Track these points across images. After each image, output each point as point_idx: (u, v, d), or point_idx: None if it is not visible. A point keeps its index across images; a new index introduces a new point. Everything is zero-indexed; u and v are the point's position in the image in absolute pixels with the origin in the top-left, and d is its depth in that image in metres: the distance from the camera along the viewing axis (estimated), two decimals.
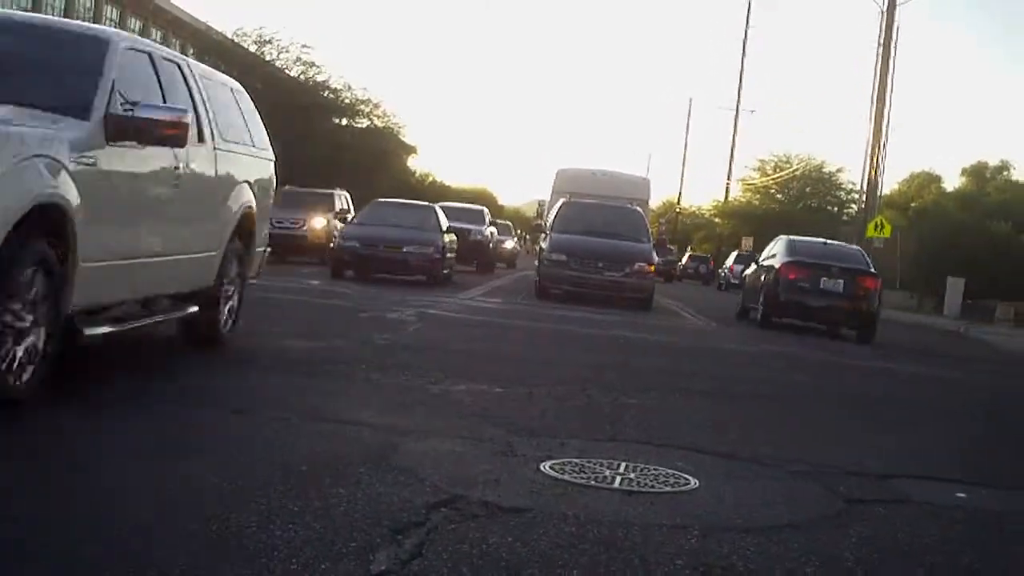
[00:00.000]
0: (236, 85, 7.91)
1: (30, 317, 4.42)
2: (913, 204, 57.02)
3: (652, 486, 4.44)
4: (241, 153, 7.17)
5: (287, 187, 26.73)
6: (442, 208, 23.21)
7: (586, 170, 28.14)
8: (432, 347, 9.06)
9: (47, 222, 4.42)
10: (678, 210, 74.26)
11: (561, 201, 21.64)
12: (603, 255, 18.53)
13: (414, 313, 12.52)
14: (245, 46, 34.81)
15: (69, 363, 5.14)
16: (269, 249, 8.40)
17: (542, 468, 4.56)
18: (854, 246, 22.06)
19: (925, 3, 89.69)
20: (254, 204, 7.13)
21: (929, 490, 4.99)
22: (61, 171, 4.48)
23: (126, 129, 5.13)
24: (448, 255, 20.24)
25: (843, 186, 59.00)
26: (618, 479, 4.50)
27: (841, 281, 16.41)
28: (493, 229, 29.12)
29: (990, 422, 8.55)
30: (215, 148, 6.55)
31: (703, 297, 31.69)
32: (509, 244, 34.74)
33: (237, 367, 6.71)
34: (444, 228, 20.47)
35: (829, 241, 20.21)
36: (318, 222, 24.49)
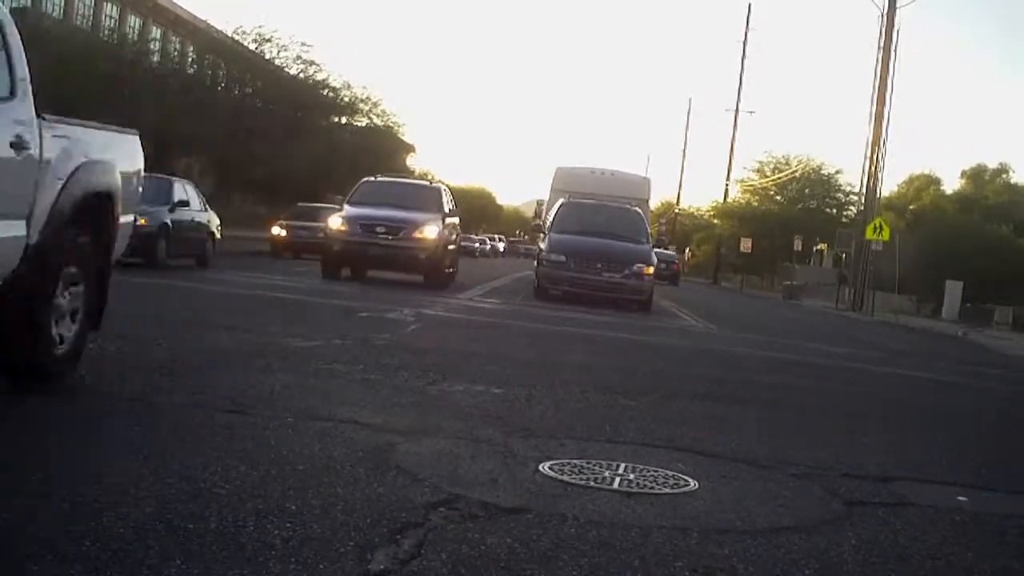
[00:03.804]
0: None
1: None
2: (912, 207, 57.08)
3: (651, 487, 4.43)
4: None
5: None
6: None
7: (585, 168, 28.09)
8: (430, 347, 9.04)
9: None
10: (677, 211, 74.25)
11: (560, 201, 21.61)
12: (602, 256, 18.51)
13: (412, 313, 12.50)
14: (245, 44, 34.78)
15: None
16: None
17: (541, 469, 4.54)
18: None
19: (925, 5, 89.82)
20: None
21: (930, 493, 4.98)
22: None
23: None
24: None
25: (842, 188, 59.04)
26: (617, 480, 4.48)
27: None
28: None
29: (991, 425, 8.53)
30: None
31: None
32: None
33: (233, 366, 6.69)
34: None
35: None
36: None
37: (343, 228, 17.67)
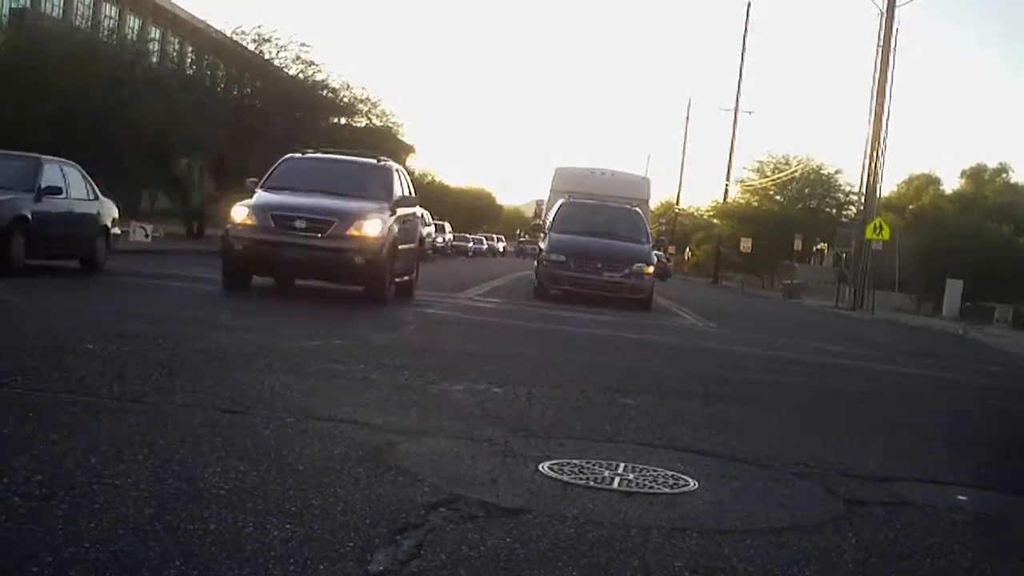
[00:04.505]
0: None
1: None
2: (912, 206, 57.07)
3: (651, 487, 4.42)
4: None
5: None
6: None
7: (585, 169, 28.07)
8: (430, 347, 9.04)
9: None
10: (677, 211, 74.28)
11: (560, 201, 21.64)
12: (602, 256, 18.54)
13: (412, 313, 12.50)
14: (244, 44, 34.77)
15: None
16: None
17: (541, 469, 4.54)
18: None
19: (925, 5, 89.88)
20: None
21: (929, 492, 4.97)
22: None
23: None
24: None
25: (842, 188, 59.04)
26: (617, 480, 4.48)
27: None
28: None
29: (992, 425, 8.53)
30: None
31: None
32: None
33: (233, 365, 6.68)
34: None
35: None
36: None
37: (249, 221, 12.71)
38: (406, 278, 14.68)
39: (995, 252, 35.35)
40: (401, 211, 14.02)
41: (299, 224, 12.49)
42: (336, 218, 12.64)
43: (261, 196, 13.30)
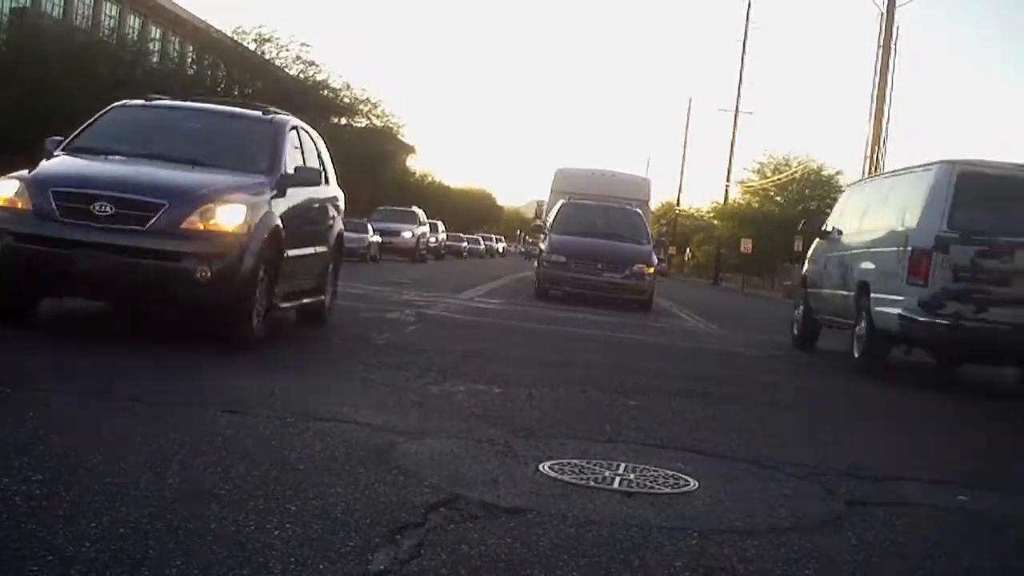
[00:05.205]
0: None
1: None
2: None
3: (651, 487, 4.42)
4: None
5: None
6: None
7: (586, 170, 28.04)
8: (431, 347, 9.04)
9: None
10: (677, 212, 74.28)
11: (561, 202, 21.64)
12: (603, 256, 18.56)
13: (413, 313, 12.51)
14: (245, 44, 34.81)
15: None
16: None
17: (541, 468, 4.54)
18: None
19: (926, 5, 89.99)
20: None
21: (930, 493, 4.97)
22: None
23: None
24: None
25: (843, 189, 58.94)
26: (617, 480, 4.48)
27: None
28: None
29: (992, 425, 8.53)
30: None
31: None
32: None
33: (233, 365, 6.68)
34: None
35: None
36: None
37: (19, 204, 7.24)
38: (307, 300, 9.12)
39: None
40: (297, 194, 8.56)
41: (101, 209, 7.06)
42: (167, 200, 7.19)
43: (52, 163, 8.05)
